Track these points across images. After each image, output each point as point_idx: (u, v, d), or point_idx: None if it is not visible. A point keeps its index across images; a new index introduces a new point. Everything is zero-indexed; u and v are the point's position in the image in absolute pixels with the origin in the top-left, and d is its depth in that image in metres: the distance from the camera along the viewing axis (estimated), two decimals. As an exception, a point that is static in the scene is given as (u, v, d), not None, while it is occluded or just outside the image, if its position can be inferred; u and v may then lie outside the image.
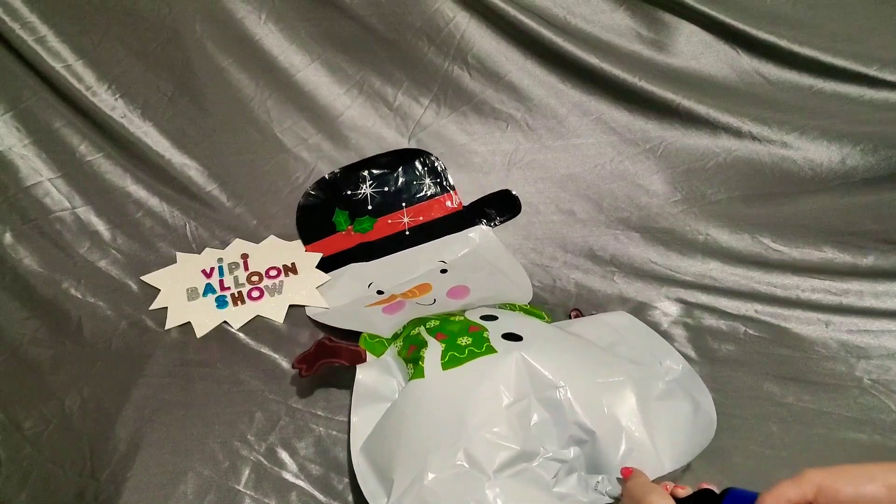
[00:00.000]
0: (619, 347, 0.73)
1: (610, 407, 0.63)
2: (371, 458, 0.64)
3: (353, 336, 0.79)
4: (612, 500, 0.58)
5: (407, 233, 1.01)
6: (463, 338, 0.69)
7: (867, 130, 0.86)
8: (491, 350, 0.66)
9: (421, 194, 1.02)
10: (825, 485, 0.41)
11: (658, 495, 0.50)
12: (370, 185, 1.01)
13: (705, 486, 0.51)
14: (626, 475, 0.57)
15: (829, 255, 0.88)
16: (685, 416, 0.66)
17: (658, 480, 0.57)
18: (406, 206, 1.02)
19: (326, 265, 0.97)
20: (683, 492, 0.51)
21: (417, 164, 1.01)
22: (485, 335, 0.68)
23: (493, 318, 0.74)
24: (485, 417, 0.61)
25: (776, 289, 0.87)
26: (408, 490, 0.58)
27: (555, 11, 0.91)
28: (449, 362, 0.66)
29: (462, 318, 0.74)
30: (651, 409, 0.64)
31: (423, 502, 0.56)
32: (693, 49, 0.91)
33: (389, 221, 1.01)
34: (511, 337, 0.68)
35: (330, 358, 0.74)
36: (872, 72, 0.85)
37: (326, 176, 1.01)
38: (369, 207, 1.01)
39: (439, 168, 1.01)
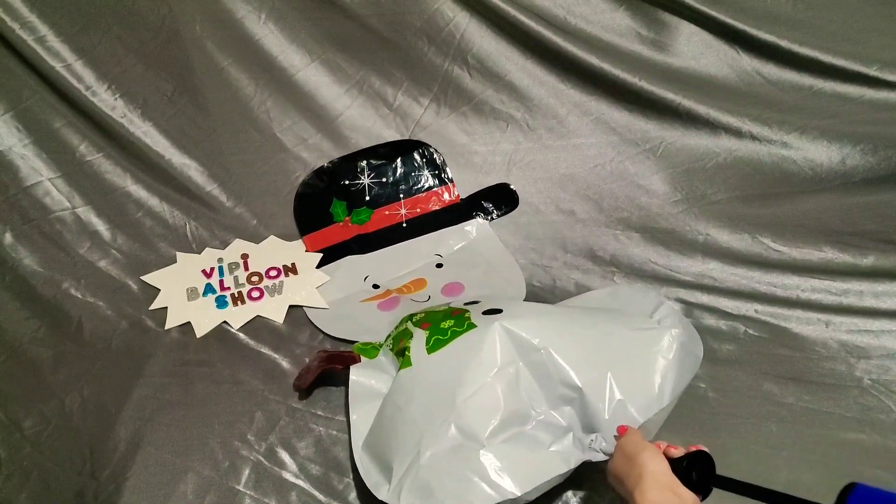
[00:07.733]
0: (610, 307, 0.74)
1: (594, 360, 0.64)
2: (371, 451, 0.65)
3: (349, 344, 0.80)
4: (606, 457, 0.59)
5: (404, 225, 1.00)
6: (446, 321, 0.70)
7: (867, 130, 0.86)
8: (472, 326, 0.67)
9: (419, 186, 1.02)
10: None
11: (650, 453, 0.50)
12: (368, 176, 1.01)
13: (695, 448, 0.51)
14: (622, 433, 0.58)
15: (829, 255, 0.88)
16: (673, 352, 0.66)
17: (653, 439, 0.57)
18: (404, 198, 1.01)
19: (323, 257, 0.97)
20: (676, 452, 0.52)
21: (416, 155, 1.01)
22: (466, 315, 0.70)
23: (476, 302, 0.75)
24: (473, 389, 0.62)
25: (776, 289, 0.87)
26: (406, 472, 0.59)
27: (555, 11, 0.91)
28: (433, 346, 0.67)
29: (446, 306, 0.76)
30: (639, 355, 0.65)
31: (421, 481, 0.58)
32: (693, 49, 0.91)
33: (387, 213, 1.01)
34: (491, 312, 0.69)
35: (326, 365, 0.75)
36: (872, 72, 0.85)
37: (325, 164, 1.00)
38: (367, 198, 1.01)
39: (438, 160, 1.01)
